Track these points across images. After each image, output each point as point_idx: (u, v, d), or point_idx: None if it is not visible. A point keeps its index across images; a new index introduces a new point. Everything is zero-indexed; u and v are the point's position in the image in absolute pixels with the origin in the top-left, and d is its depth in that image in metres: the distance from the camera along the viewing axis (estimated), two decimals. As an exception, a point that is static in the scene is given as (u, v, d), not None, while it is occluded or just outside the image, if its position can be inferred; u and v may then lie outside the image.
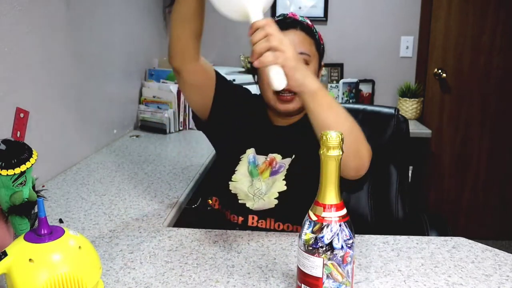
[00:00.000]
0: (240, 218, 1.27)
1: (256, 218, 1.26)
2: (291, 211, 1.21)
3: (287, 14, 1.29)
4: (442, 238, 1.18)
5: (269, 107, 1.32)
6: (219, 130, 1.36)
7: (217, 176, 1.36)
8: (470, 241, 1.16)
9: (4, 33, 1.39)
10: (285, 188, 1.25)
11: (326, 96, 1.01)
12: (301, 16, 1.30)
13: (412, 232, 1.35)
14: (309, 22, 1.30)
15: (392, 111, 1.62)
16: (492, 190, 3.25)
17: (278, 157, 1.28)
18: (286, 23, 1.24)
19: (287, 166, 1.27)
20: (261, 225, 1.27)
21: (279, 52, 0.92)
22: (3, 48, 1.39)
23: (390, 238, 1.18)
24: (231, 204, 1.29)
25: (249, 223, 1.27)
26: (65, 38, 1.75)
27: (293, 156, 1.27)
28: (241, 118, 1.36)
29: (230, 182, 1.27)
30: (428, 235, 1.44)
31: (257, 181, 1.26)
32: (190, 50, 1.25)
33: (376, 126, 1.46)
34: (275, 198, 1.24)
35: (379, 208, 1.60)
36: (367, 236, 1.19)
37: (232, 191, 1.27)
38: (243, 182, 1.27)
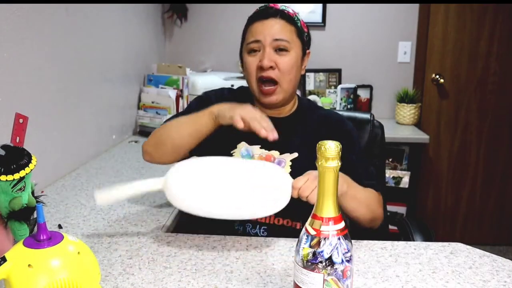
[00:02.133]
0: None
1: None
2: (293, 207, 1.20)
3: (269, 4, 1.32)
4: (440, 243, 1.19)
5: (256, 100, 1.35)
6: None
7: None
8: (468, 246, 1.17)
9: (4, 38, 1.39)
10: None
11: (352, 191, 1.16)
12: (283, 5, 1.31)
13: (395, 237, 1.36)
14: (291, 11, 1.31)
15: (367, 116, 1.64)
16: (490, 196, 3.25)
17: (275, 153, 1.29)
18: (268, 13, 1.28)
19: (289, 162, 1.27)
20: (261, 219, 1.28)
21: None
22: (3, 54, 1.39)
23: (388, 243, 1.19)
24: None
25: None
26: (64, 43, 1.76)
27: (296, 155, 1.28)
28: None
29: None
30: (413, 239, 1.44)
31: None
32: (170, 160, 1.32)
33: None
34: None
35: None
36: (365, 241, 1.19)
37: None
38: None
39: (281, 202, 1.08)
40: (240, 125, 1.10)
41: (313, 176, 1.05)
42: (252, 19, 1.30)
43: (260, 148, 1.30)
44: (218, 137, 1.29)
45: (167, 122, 1.34)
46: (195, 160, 1.14)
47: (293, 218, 1.28)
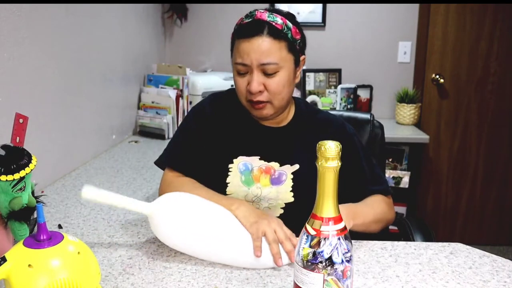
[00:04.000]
0: None
1: None
2: (295, 221, 1.14)
3: (255, 14, 1.20)
4: (440, 244, 1.19)
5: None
6: (201, 156, 1.31)
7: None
8: (468, 247, 1.17)
9: (4, 38, 1.39)
10: (292, 199, 1.23)
11: (359, 222, 1.16)
12: (270, 13, 1.20)
13: (396, 237, 1.36)
14: (279, 21, 1.18)
15: (367, 116, 1.64)
16: (490, 196, 3.25)
17: (275, 165, 1.25)
18: (253, 29, 1.17)
19: (290, 175, 1.24)
20: None
21: None
22: (3, 54, 1.39)
23: (388, 243, 1.19)
24: None
25: None
26: (64, 43, 1.76)
27: (297, 167, 1.24)
28: (221, 130, 1.31)
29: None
30: (413, 239, 1.44)
31: (255, 189, 1.23)
32: None
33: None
34: (281, 208, 1.23)
35: None
36: (365, 241, 1.19)
37: None
38: (238, 192, 1.23)
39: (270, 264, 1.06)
40: (257, 254, 1.04)
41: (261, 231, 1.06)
42: (238, 35, 1.20)
43: (260, 159, 1.25)
44: (215, 151, 1.28)
45: (174, 163, 1.31)
46: (183, 197, 1.12)
47: (297, 233, 1.25)
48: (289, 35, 1.19)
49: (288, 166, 1.25)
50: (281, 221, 1.11)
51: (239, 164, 1.25)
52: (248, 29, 1.18)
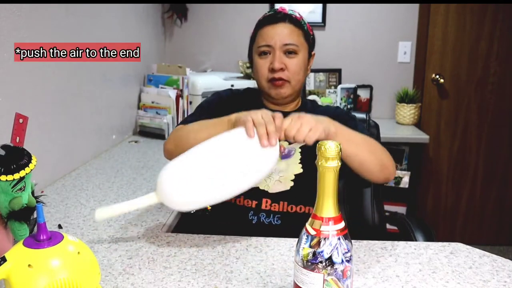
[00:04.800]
0: (254, 202, 1.32)
1: (269, 201, 1.31)
2: (305, 193, 1.28)
3: (277, 9, 1.40)
4: (440, 243, 1.19)
5: (264, 96, 1.43)
6: None
7: None
8: (468, 246, 1.17)
9: (4, 38, 1.39)
10: (301, 170, 1.32)
11: (343, 132, 1.16)
12: (290, 10, 1.40)
13: (395, 237, 1.36)
14: (298, 15, 1.39)
15: (363, 116, 1.65)
16: (490, 196, 3.25)
17: (284, 143, 1.33)
18: (276, 17, 1.35)
19: (298, 149, 1.34)
20: (274, 208, 1.31)
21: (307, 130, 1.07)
22: (3, 54, 1.39)
23: (388, 243, 1.19)
24: None
25: (263, 207, 1.31)
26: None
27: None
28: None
29: None
30: (414, 238, 1.45)
31: None
32: None
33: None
34: (291, 180, 1.31)
35: (355, 213, 1.62)
36: (365, 241, 1.19)
37: None
38: None
39: (270, 157, 1.07)
40: (250, 134, 1.08)
41: (296, 117, 1.10)
42: (262, 24, 1.37)
43: None
44: None
45: (187, 124, 1.35)
46: (176, 162, 1.12)
47: (305, 204, 1.32)
48: (305, 28, 1.39)
49: (296, 143, 1.30)
50: (269, 111, 1.14)
51: None
52: (272, 17, 1.37)
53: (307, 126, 1.07)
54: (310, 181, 1.25)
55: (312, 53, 1.44)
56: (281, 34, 1.33)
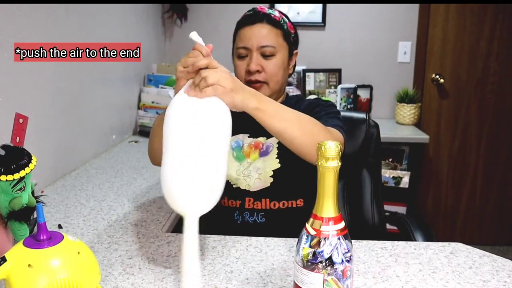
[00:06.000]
0: (238, 202, 1.32)
1: (252, 200, 1.32)
2: (285, 188, 1.31)
3: (257, 8, 1.38)
4: (440, 243, 1.19)
5: None
6: None
7: None
8: (468, 246, 1.17)
9: (4, 38, 1.39)
10: (279, 165, 1.32)
11: (268, 108, 1.05)
12: (269, 9, 1.38)
13: (395, 237, 1.36)
14: (277, 14, 1.37)
15: (363, 115, 1.65)
16: (490, 196, 3.25)
17: (262, 139, 1.34)
18: (253, 17, 1.34)
19: (276, 145, 1.33)
20: (257, 206, 1.32)
21: (216, 85, 1.05)
22: (3, 54, 1.39)
23: (388, 243, 1.19)
24: (225, 190, 1.13)
25: (246, 206, 1.32)
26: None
27: None
28: None
29: None
30: (414, 238, 1.45)
31: (246, 163, 1.32)
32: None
33: (347, 131, 1.47)
34: (270, 177, 1.31)
35: (355, 213, 1.62)
36: (365, 241, 1.19)
37: None
38: (231, 167, 1.31)
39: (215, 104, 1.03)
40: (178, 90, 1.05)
41: (218, 69, 1.10)
42: (240, 25, 1.36)
43: (249, 137, 1.35)
44: None
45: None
46: (162, 174, 1.05)
47: (287, 199, 1.33)
48: (285, 27, 1.36)
49: (274, 138, 1.30)
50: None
51: (231, 142, 1.33)
52: (250, 18, 1.35)
53: (213, 79, 1.04)
54: (289, 175, 1.29)
55: (295, 51, 1.41)
56: (258, 35, 1.31)
